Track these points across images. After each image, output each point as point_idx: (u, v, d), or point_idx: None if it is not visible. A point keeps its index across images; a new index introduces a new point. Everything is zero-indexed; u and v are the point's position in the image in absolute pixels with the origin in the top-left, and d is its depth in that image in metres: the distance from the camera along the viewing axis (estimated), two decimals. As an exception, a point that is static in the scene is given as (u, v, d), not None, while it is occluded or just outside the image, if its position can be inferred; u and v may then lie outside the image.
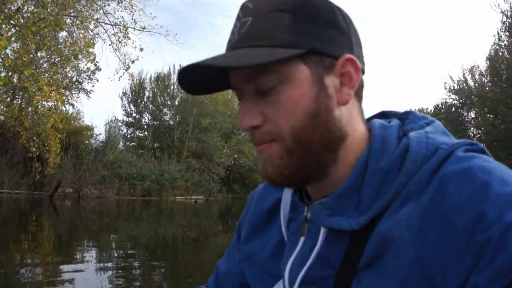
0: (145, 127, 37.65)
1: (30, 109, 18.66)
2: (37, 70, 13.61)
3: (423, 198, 0.60)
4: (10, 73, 13.76)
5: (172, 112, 37.95)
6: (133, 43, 17.94)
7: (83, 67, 20.06)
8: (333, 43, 0.68)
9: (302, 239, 0.74)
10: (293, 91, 0.66)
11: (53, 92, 10.58)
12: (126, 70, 17.43)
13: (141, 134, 37.76)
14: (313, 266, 0.69)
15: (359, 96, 0.73)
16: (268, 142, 0.68)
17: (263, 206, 0.89)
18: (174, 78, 38.01)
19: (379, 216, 0.64)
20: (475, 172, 0.58)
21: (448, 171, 0.60)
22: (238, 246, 0.93)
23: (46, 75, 12.22)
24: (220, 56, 0.67)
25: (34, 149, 16.35)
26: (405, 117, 0.77)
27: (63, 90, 14.40)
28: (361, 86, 0.73)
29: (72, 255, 6.37)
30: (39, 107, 12.40)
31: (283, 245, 0.79)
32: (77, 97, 22.94)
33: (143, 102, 37.75)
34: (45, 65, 15.81)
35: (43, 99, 13.23)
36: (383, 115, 0.82)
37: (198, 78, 0.72)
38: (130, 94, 37.30)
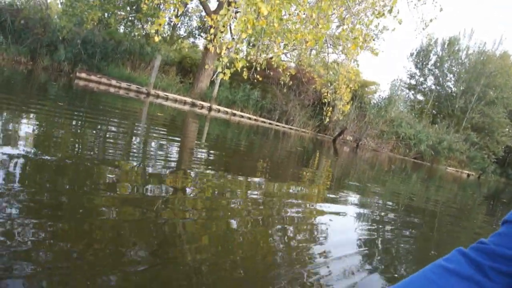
0: (427, 92, 35.50)
1: (319, 59, 19.62)
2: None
3: None
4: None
5: (456, 79, 34.46)
6: (433, 2, 15.96)
7: (378, 25, 19.47)
8: None
9: None
10: None
11: (365, 43, 10.61)
12: (423, 29, 16.07)
13: (422, 98, 35.87)
14: None
15: None
16: None
17: None
18: (464, 43, 34.25)
19: None
20: None
21: None
22: None
23: (358, 26, 12.10)
24: None
25: (328, 95, 17.19)
26: None
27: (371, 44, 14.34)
28: None
29: (336, 193, 6.46)
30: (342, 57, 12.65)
31: None
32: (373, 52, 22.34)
33: (427, 66, 35.41)
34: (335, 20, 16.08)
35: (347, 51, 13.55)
36: None
37: None
38: (416, 57, 35.40)
